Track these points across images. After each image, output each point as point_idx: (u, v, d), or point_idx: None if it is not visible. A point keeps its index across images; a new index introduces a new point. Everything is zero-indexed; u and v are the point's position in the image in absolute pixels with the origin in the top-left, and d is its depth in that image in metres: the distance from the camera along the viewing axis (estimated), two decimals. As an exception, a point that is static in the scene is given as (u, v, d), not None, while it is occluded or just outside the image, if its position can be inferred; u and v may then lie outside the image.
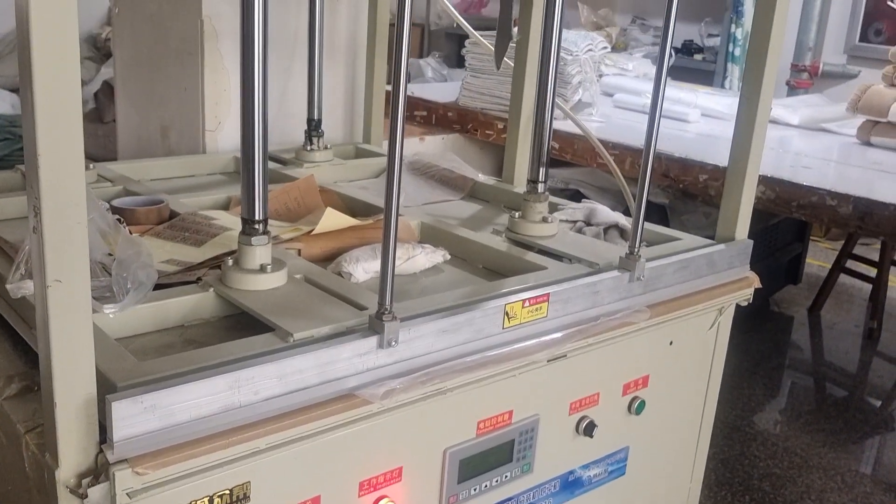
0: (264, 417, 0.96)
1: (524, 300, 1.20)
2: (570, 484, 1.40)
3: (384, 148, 2.17)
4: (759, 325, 4.03)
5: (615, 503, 1.50)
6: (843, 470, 2.88)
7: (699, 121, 3.40)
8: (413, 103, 3.40)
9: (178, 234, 1.39)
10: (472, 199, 1.86)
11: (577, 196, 3.08)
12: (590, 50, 3.20)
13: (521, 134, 1.90)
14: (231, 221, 1.43)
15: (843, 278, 4.27)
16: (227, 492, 0.96)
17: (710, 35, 5.73)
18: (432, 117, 3.36)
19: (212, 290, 1.18)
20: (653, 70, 4.09)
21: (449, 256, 1.42)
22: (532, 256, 1.42)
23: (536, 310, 1.21)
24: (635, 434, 1.49)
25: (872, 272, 4.09)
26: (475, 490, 1.24)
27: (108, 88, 4.44)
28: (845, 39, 5.72)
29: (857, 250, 4.20)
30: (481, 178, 1.91)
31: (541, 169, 1.53)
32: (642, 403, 1.45)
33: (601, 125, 3.19)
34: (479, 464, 1.23)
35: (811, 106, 3.72)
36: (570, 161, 3.05)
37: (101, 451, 0.86)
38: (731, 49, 5.39)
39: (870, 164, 2.94)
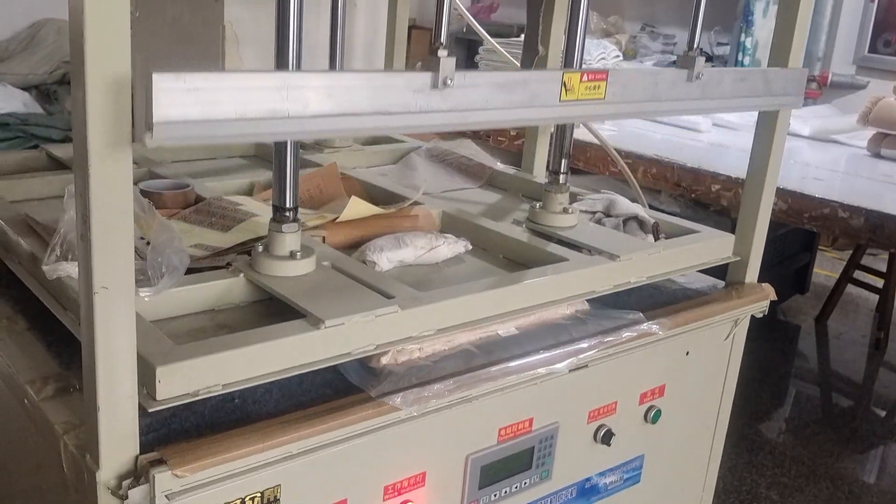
0: (297, 412, 0.98)
1: (583, 74, 1.16)
2: (587, 491, 1.42)
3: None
4: (767, 333, 4.05)
5: (630, 510, 1.52)
6: (850, 480, 2.90)
7: (710, 131, 3.42)
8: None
9: (205, 219, 1.39)
10: (490, 187, 1.85)
11: (588, 203, 3.08)
12: (602, 58, 3.23)
13: (541, 128, 1.91)
14: (257, 207, 1.43)
15: (851, 288, 4.28)
16: (259, 494, 0.98)
17: (719, 43, 5.74)
18: (445, 123, 3.37)
19: (242, 275, 1.18)
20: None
21: (471, 247, 1.42)
22: (552, 247, 1.43)
23: (595, 87, 1.18)
24: (651, 443, 1.50)
25: (880, 283, 4.11)
26: (495, 496, 1.26)
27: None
28: (854, 50, 5.73)
29: (865, 261, 4.22)
30: (499, 166, 1.91)
31: (563, 160, 1.53)
32: (658, 413, 1.47)
33: (613, 133, 3.21)
34: (499, 470, 1.25)
35: (821, 117, 3.74)
36: (583, 169, 3.07)
37: (141, 452, 0.88)
38: (740, 58, 5.40)
39: (880, 176, 2.96)
